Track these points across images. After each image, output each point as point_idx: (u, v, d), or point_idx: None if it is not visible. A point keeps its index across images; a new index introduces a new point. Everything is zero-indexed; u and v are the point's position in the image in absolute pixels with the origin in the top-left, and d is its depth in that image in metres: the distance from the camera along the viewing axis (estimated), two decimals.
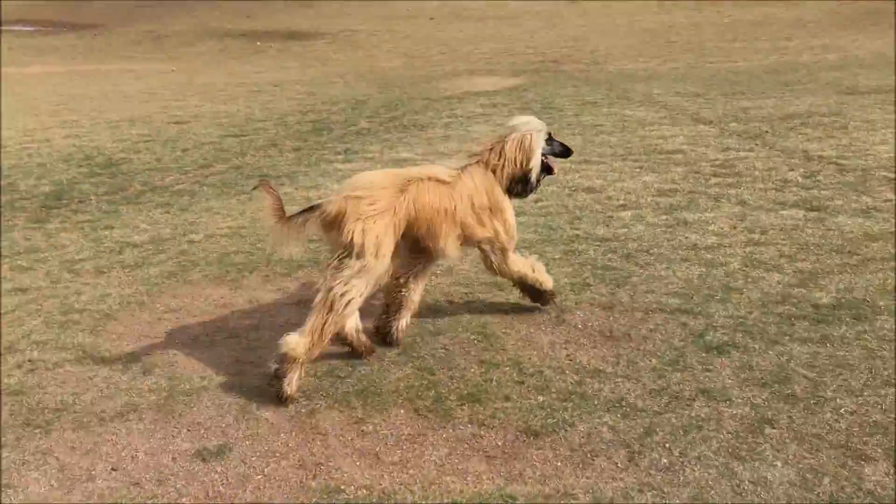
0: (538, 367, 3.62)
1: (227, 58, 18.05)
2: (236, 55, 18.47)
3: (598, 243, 5.11)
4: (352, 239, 3.30)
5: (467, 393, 3.47)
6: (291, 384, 3.36)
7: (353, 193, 3.38)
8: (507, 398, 3.41)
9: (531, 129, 3.77)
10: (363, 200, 3.35)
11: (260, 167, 7.80)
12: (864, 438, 2.99)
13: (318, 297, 3.36)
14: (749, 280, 4.40)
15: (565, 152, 3.92)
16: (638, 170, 6.88)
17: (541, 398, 3.39)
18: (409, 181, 3.49)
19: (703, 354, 3.63)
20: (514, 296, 4.27)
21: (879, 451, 2.92)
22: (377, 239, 3.34)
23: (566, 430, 3.16)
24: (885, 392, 3.26)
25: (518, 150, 3.72)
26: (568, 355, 3.73)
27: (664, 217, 5.55)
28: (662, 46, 16.93)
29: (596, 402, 3.33)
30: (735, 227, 5.25)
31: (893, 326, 3.77)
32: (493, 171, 3.72)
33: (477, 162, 3.73)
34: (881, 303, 4.02)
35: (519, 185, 3.77)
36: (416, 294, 3.79)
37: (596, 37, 18.60)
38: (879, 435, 3.00)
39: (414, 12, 24.26)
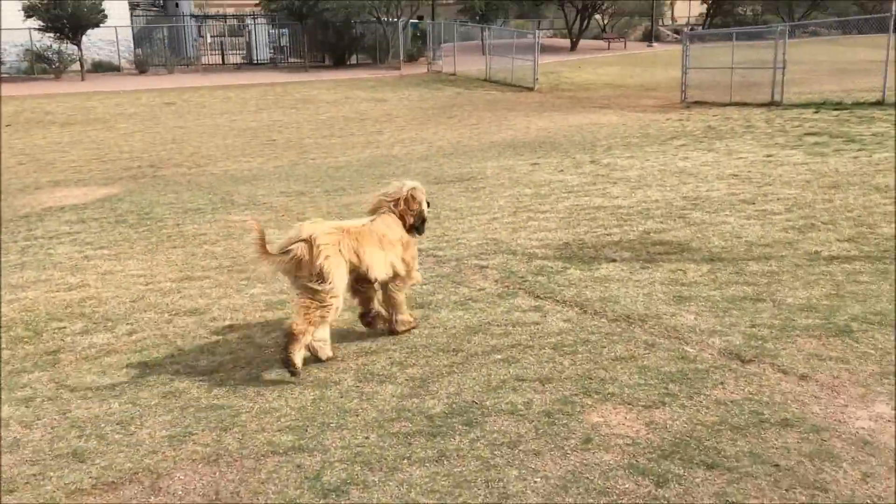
0: None
1: None
2: None
3: (202, 377, 4.55)
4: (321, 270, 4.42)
5: None
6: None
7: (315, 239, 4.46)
8: None
9: (417, 185, 5.06)
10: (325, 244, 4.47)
11: None
12: None
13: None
14: (364, 398, 4.19)
15: (429, 203, 5.17)
16: (245, 283, 6.48)
17: None
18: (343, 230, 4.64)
19: (321, 502, 3.26)
20: (91, 475, 3.52)
21: None
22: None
23: None
24: None
25: (416, 199, 4.98)
26: None
27: (273, 335, 5.18)
28: (264, 145, 17.00)
29: None
30: (345, 337, 5.07)
31: (502, 428, 3.79)
32: (402, 217, 4.93)
33: (387, 211, 4.92)
34: (488, 402, 4.06)
35: (420, 225, 5.04)
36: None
37: (196, 138, 18.09)
38: None
39: None
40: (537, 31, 31.20)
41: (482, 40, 33.88)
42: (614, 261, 6.41)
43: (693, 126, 16.13)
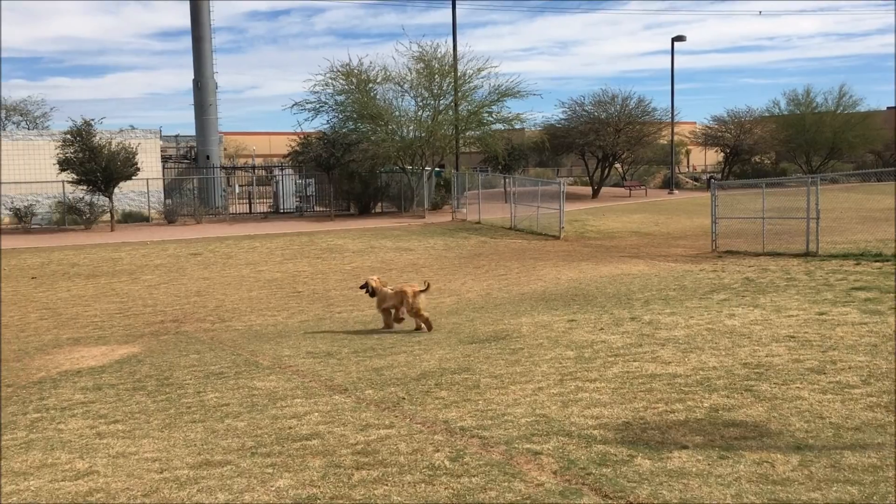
0: None
1: None
2: None
3: None
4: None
5: None
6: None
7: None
8: None
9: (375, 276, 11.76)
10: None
11: None
12: None
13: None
14: None
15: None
16: (270, 470, 5.81)
17: None
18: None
19: None
20: None
21: None
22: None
23: None
24: None
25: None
26: None
27: None
28: (290, 297, 16.64)
29: None
30: None
31: None
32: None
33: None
34: None
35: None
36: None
37: (220, 290, 17.81)
38: None
39: (12, 272, 21.45)
40: (562, 180, 31.49)
41: (505, 188, 34.27)
42: (686, 447, 5.70)
43: (730, 278, 15.63)
